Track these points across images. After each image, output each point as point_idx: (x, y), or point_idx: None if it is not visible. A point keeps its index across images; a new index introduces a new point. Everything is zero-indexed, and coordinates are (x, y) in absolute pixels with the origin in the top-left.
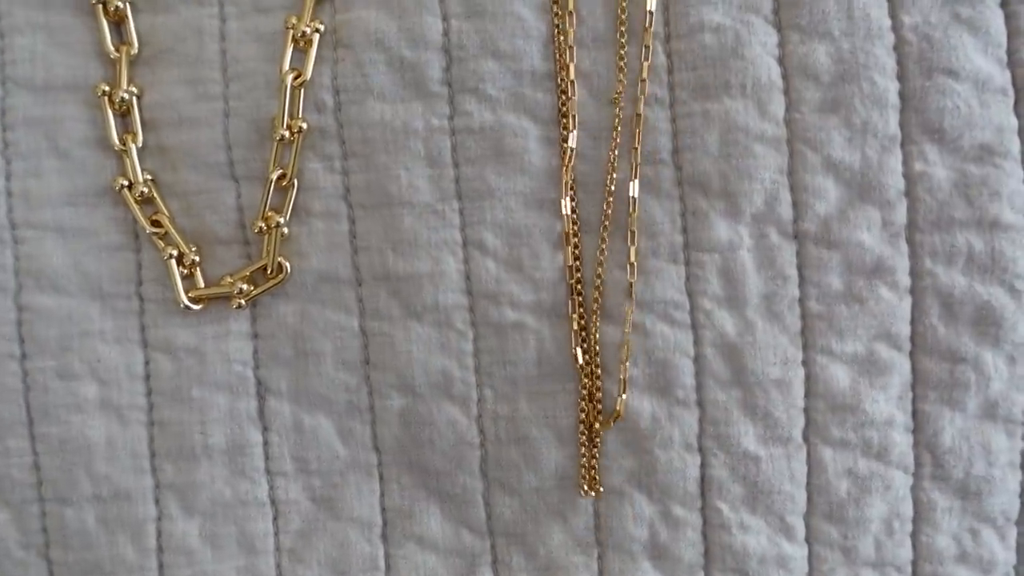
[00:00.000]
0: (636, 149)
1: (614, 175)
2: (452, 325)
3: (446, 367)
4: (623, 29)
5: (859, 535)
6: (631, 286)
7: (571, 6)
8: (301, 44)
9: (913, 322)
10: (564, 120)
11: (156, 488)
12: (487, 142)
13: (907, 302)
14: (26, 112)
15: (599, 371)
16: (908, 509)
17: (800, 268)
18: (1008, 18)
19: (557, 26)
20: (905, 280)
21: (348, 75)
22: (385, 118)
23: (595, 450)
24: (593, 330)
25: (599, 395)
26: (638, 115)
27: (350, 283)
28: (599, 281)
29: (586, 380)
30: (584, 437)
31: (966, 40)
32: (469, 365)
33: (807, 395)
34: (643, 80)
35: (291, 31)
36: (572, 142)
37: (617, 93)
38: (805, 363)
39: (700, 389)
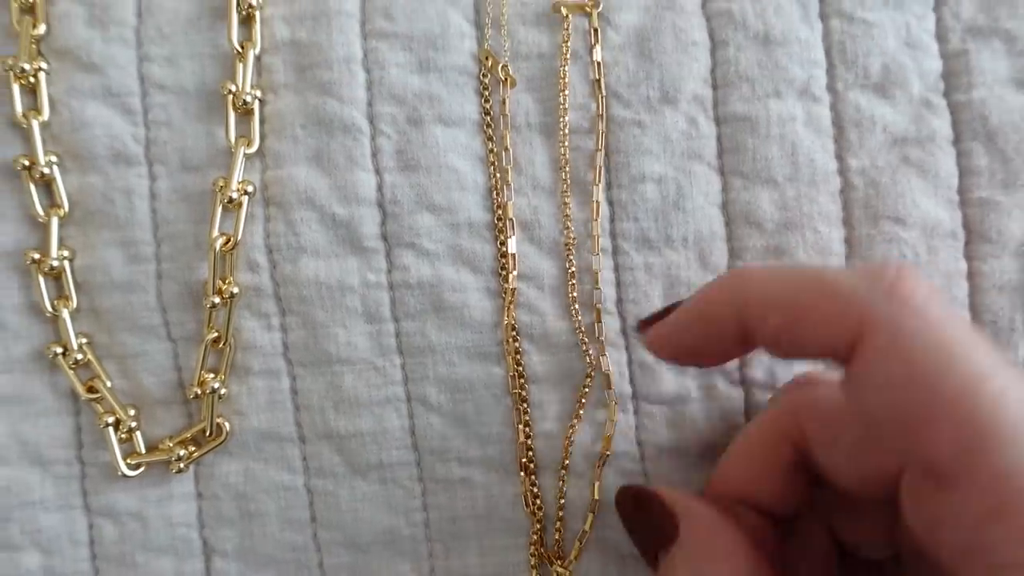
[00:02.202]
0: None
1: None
2: (398, 482)
3: (393, 524)
4: (565, 178)
5: None
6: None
7: (510, 155)
8: (230, 206)
9: None
10: (504, 272)
11: None
12: (426, 296)
13: None
14: None
15: (545, 521)
16: None
17: (747, 415)
18: (959, 156)
19: (495, 176)
20: None
21: (280, 234)
22: (320, 276)
23: None
24: (558, 483)
25: (557, 540)
26: (594, 268)
27: (293, 441)
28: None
29: (537, 526)
30: None
31: (914, 184)
32: (417, 521)
33: None
34: (595, 235)
35: (219, 194)
36: (512, 283)
37: (568, 242)
38: None
39: None
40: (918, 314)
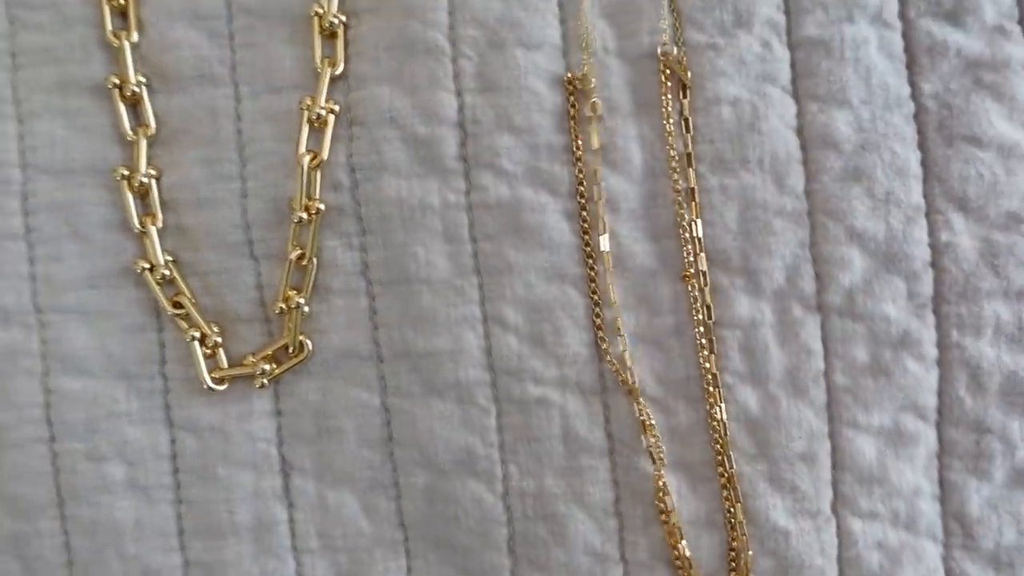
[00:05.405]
0: (689, 222)
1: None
2: (474, 402)
3: (469, 444)
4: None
5: None
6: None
7: (588, 79)
8: (316, 124)
9: (939, 393)
10: (582, 200)
11: (185, 566)
12: (505, 217)
13: (934, 374)
14: (47, 197)
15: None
16: None
17: (825, 341)
18: None
19: (573, 99)
20: (932, 352)
21: (363, 153)
22: (401, 195)
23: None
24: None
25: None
26: (678, 188)
27: (371, 360)
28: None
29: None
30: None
31: (989, 106)
32: (493, 442)
33: (834, 467)
34: (672, 157)
35: (306, 112)
36: (599, 214)
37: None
38: (831, 436)
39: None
40: None
